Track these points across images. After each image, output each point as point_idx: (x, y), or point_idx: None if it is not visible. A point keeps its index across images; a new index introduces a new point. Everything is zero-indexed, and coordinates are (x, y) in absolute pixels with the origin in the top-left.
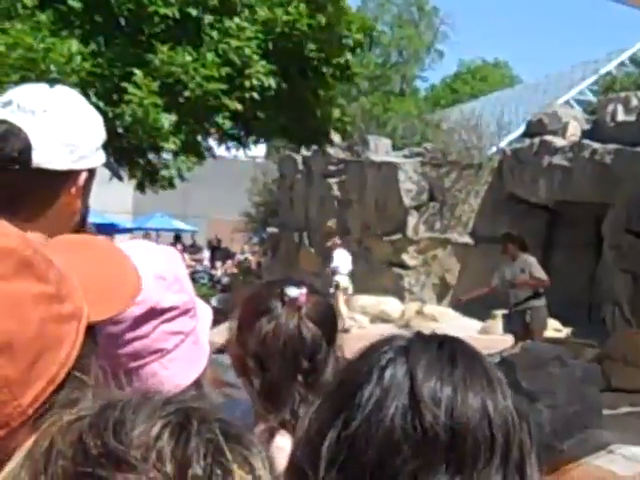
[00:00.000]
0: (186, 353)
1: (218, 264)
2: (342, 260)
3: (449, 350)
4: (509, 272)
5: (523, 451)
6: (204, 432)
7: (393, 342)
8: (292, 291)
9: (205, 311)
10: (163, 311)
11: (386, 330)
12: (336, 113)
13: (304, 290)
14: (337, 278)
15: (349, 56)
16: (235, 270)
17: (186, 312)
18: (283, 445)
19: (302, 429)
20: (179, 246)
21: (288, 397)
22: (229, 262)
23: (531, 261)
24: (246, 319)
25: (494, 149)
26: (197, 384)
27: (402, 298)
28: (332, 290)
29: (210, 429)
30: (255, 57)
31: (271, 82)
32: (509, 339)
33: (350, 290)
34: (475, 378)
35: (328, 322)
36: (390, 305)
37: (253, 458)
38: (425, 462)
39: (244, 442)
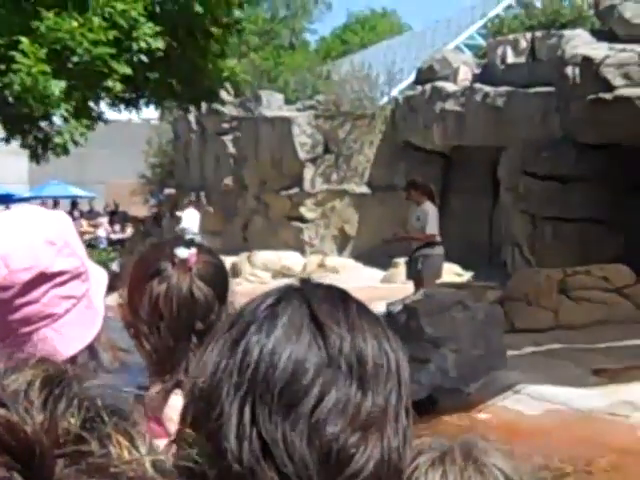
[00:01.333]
0: (78, 317)
1: (117, 228)
2: (191, 220)
3: (338, 292)
4: (410, 218)
5: (407, 393)
6: (80, 392)
7: (281, 287)
8: (182, 252)
9: (99, 275)
10: (53, 275)
11: None
12: (227, 69)
13: (194, 250)
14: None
15: (237, 13)
16: (134, 232)
17: (77, 276)
18: (178, 404)
19: (197, 369)
20: (76, 213)
21: (182, 358)
22: (128, 225)
23: (427, 211)
24: (137, 281)
25: (386, 98)
26: (91, 348)
27: (303, 252)
28: None
29: (87, 393)
30: (142, 19)
31: (159, 44)
32: (411, 287)
33: None
34: (368, 317)
35: (220, 281)
36: (291, 259)
37: (133, 431)
38: (332, 379)
39: (124, 415)
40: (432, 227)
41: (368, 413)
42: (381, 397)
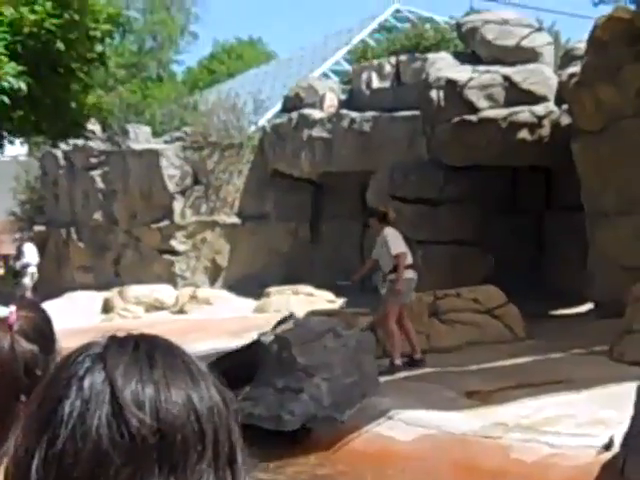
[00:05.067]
0: None
1: None
2: (31, 254)
3: (146, 350)
4: (375, 251)
5: (232, 439)
6: None
7: (89, 350)
8: (0, 311)
9: None
10: None
11: (162, 318)
12: (91, 100)
13: (13, 308)
14: (30, 270)
15: (100, 47)
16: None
17: None
18: None
19: (10, 452)
20: None
21: (12, 419)
22: None
23: (386, 236)
24: None
25: (254, 127)
26: None
27: (175, 284)
28: (29, 282)
29: None
30: (4, 58)
31: (21, 84)
32: (280, 316)
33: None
34: (176, 374)
35: (44, 334)
36: (163, 292)
37: None
38: (138, 468)
39: None
40: (398, 247)
41: None
42: (196, 474)
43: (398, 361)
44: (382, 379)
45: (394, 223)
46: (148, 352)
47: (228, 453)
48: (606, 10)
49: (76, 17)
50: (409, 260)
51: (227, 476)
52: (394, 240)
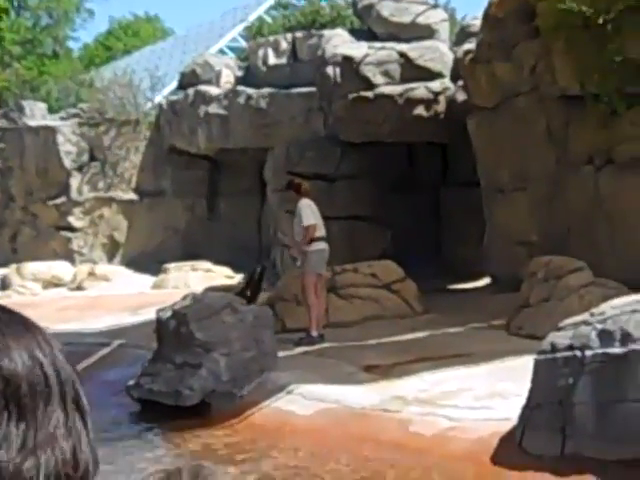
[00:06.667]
0: None
1: None
2: None
3: None
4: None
5: (76, 387)
6: None
7: None
8: None
9: None
10: None
11: (59, 294)
12: None
13: None
14: None
15: None
16: None
17: None
18: None
19: None
20: None
21: None
22: None
23: (300, 207)
24: None
25: (150, 104)
26: None
27: (73, 261)
28: None
29: None
30: None
31: None
32: (181, 292)
33: None
34: (14, 329)
35: None
36: (61, 269)
37: None
38: None
39: None
40: (308, 219)
41: (35, 440)
42: (47, 419)
43: (314, 332)
44: (281, 354)
45: (309, 194)
46: None
47: (73, 394)
48: None
49: None
50: (321, 232)
51: (75, 414)
52: (306, 211)
